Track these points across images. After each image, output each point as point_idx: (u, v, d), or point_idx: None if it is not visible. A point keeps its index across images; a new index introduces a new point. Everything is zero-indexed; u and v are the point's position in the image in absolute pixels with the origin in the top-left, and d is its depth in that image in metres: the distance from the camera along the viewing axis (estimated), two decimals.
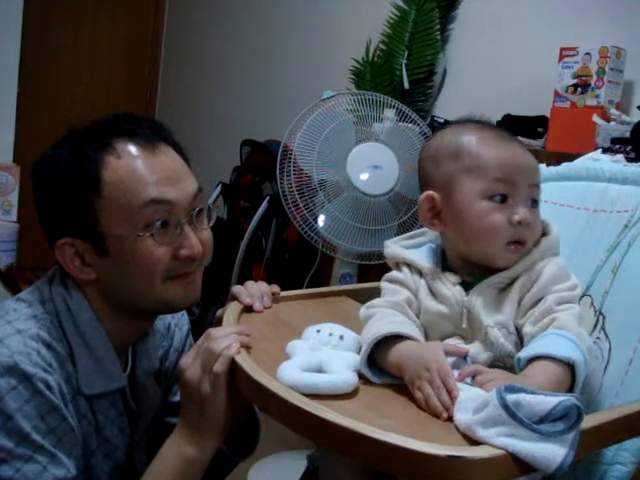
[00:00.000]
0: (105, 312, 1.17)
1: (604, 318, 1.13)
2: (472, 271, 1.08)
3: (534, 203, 1.07)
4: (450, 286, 1.07)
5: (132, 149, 1.13)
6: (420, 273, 1.12)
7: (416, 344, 1.00)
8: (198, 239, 1.16)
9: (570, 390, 0.92)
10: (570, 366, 0.92)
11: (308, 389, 0.91)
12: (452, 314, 1.06)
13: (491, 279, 1.05)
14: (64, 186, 1.12)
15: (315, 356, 0.98)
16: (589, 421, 0.89)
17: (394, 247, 1.19)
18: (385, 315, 1.07)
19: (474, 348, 1.03)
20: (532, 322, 1.01)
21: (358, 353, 1.02)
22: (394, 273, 1.16)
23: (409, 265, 1.14)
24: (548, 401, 0.81)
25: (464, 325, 1.06)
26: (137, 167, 1.11)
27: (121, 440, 1.22)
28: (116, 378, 1.18)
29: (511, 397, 0.81)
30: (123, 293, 1.16)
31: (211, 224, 1.22)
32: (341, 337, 1.04)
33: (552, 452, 0.79)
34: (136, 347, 1.27)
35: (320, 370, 0.96)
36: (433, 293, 1.09)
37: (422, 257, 1.13)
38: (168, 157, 1.16)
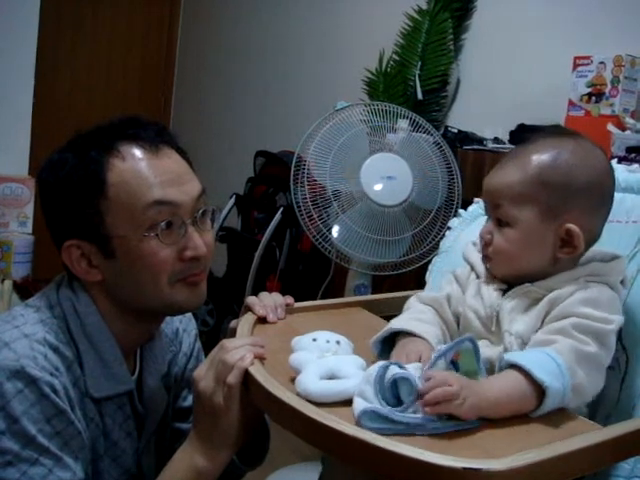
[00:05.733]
0: (112, 314, 1.18)
1: (620, 330, 1.12)
2: (516, 281, 1.10)
3: (499, 222, 1.09)
4: (492, 290, 1.11)
5: (136, 152, 1.14)
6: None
7: (410, 340, 1.07)
8: (202, 240, 1.17)
9: (533, 410, 0.92)
10: (540, 389, 0.91)
11: (338, 396, 0.92)
12: (485, 315, 1.09)
13: (525, 286, 1.07)
14: (70, 189, 1.13)
15: (324, 364, 0.98)
16: (607, 433, 0.89)
17: (468, 245, 1.23)
18: (415, 311, 1.17)
19: (495, 354, 1.05)
20: (543, 332, 1.01)
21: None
22: (459, 267, 1.22)
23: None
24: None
25: (493, 328, 1.08)
26: (141, 169, 1.13)
27: (128, 444, 1.22)
28: (123, 381, 1.19)
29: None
30: (129, 294, 1.16)
31: (215, 226, 1.23)
32: (337, 342, 1.06)
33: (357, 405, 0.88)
34: (143, 351, 1.27)
35: (333, 376, 0.96)
36: (480, 294, 1.12)
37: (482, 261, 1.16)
38: (171, 159, 1.17)
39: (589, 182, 1.05)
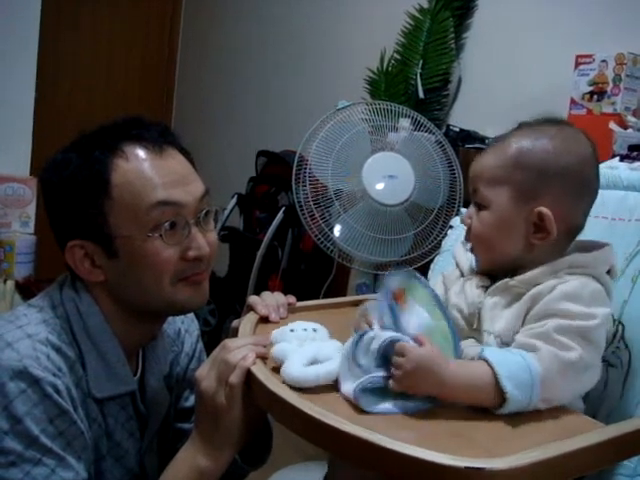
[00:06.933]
0: (114, 314, 1.18)
1: (623, 327, 1.12)
2: (498, 274, 1.09)
3: (477, 206, 1.09)
4: (474, 286, 1.10)
5: (140, 152, 1.14)
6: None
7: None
8: (205, 240, 1.17)
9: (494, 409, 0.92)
10: (501, 395, 0.90)
11: (323, 379, 0.96)
12: (468, 313, 1.08)
13: (506, 281, 1.05)
14: (74, 189, 1.13)
15: (306, 351, 1.00)
16: (610, 432, 0.89)
17: (457, 244, 1.23)
18: None
19: (477, 348, 1.04)
20: (526, 335, 0.98)
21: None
22: (449, 268, 1.21)
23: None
24: (382, 336, 0.94)
25: (475, 326, 1.07)
26: (145, 170, 1.13)
27: (131, 444, 1.23)
28: (126, 381, 1.19)
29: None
30: (132, 294, 1.17)
31: (218, 226, 1.23)
32: (314, 330, 1.08)
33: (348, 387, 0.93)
34: (146, 351, 1.28)
35: (315, 361, 0.99)
36: (463, 291, 1.11)
37: (468, 258, 1.16)
38: (175, 160, 1.17)
39: (566, 167, 1.04)
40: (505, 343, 1.02)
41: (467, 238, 1.12)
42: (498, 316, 1.04)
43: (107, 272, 1.16)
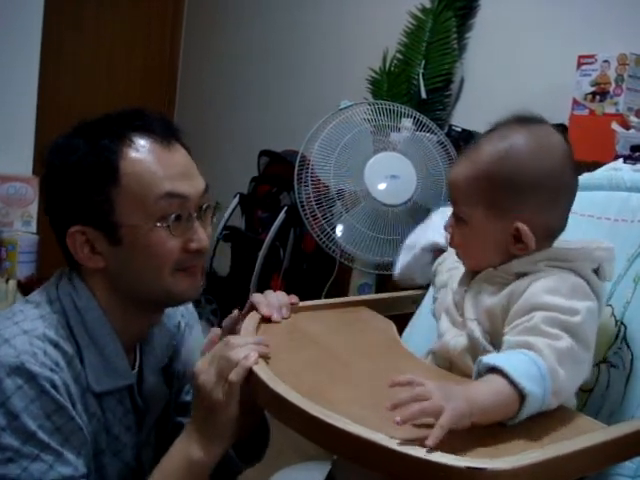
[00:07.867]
0: (112, 306, 1.19)
1: (625, 328, 1.12)
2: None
3: (458, 218, 1.09)
4: (464, 275, 1.13)
5: (149, 143, 1.16)
6: None
7: None
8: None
9: (512, 417, 0.89)
10: (520, 395, 0.88)
11: None
12: (458, 302, 1.11)
13: (489, 271, 1.07)
14: (80, 175, 1.14)
15: None
16: (612, 433, 0.89)
17: None
18: None
19: (461, 337, 1.06)
20: (515, 333, 0.97)
21: None
22: (448, 254, 1.24)
23: None
24: None
25: (460, 312, 1.09)
26: (154, 161, 1.14)
27: (128, 438, 1.23)
28: (124, 375, 1.20)
29: None
30: (131, 283, 1.18)
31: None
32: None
33: None
34: (143, 345, 1.29)
35: None
36: (457, 278, 1.14)
37: None
38: (180, 154, 1.19)
39: (539, 177, 1.02)
40: (484, 330, 1.04)
41: (450, 245, 1.14)
42: (480, 303, 1.06)
43: (107, 259, 1.17)
